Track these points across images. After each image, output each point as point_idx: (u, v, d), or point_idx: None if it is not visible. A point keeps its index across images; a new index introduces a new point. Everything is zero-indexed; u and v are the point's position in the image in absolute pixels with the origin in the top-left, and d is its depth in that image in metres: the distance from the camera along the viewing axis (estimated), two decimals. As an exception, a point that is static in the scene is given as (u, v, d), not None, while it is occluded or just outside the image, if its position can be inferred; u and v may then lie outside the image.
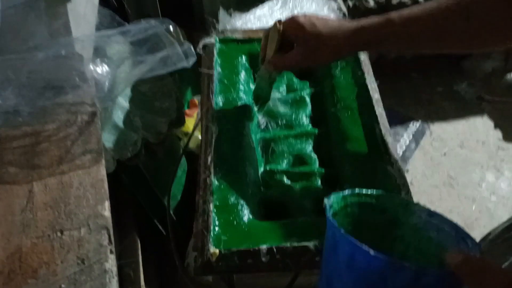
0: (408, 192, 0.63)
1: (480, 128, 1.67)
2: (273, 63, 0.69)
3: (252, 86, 0.83)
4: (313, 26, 0.64)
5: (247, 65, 0.84)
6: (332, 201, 0.47)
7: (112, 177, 0.70)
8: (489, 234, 0.72)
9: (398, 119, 1.65)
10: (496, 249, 0.67)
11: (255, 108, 0.78)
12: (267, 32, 0.70)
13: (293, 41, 0.67)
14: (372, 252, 0.37)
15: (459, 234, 0.44)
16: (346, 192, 0.49)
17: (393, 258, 0.37)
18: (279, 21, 0.67)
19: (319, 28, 0.64)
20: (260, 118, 0.77)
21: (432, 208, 0.47)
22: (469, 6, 0.54)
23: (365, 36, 0.62)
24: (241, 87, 0.79)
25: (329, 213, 0.44)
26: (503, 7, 0.52)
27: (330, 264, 0.44)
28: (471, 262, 0.36)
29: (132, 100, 0.82)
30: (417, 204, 0.49)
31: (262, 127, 0.77)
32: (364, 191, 0.50)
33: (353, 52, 0.75)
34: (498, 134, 1.65)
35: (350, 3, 1.56)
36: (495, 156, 1.58)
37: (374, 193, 0.50)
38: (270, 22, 0.72)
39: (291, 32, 0.66)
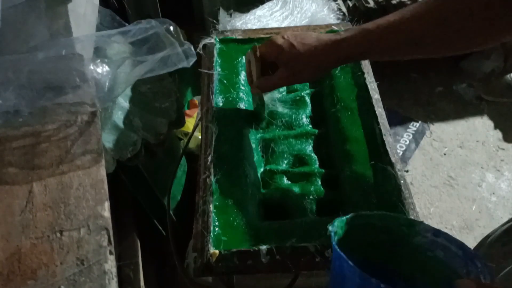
0: (408, 192, 0.63)
1: (480, 128, 1.67)
2: (258, 86, 0.70)
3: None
4: (291, 47, 0.64)
5: (247, 65, 0.84)
6: (336, 227, 0.46)
7: (112, 178, 0.70)
8: (487, 236, 0.72)
9: (398, 119, 1.65)
10: (495, 252, 0.67)
11: (255, 109, 0.78)
12: (248, 57, 0.71)
13: (274, 63, 0.67)
14: (383, 286, 0.37)
15: (466, 254, 0.44)
16: (349, 216, 0.49)
17: None
18: (255, 47, 0.68)
19: (297, 48, 0.63)
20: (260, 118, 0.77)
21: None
22: (444, 11, 0.53)
23: (345, 51, 0.61)
24: (241, 87, 0.79)
25: (335, 242, 0.43)
26: (477, 9, 0.51)
27: None
28: None
29: (132, 101, 0.82)
30: (422, 223, 0.49)
31: (262, 127, 0.77)
32: (366, 212, 0.50)
33: (337, 66, 0.75)
34: (498, 134, 1.65)
35: (350, 3, 1.56)
36: (495, 157, 1.58)
37: (377, 213, 0.50)
38: (270, 23, 0.72)
39: (271, 55, 0.66)
